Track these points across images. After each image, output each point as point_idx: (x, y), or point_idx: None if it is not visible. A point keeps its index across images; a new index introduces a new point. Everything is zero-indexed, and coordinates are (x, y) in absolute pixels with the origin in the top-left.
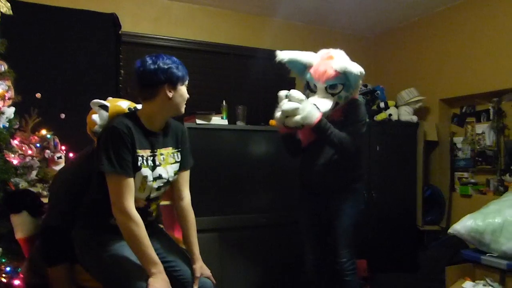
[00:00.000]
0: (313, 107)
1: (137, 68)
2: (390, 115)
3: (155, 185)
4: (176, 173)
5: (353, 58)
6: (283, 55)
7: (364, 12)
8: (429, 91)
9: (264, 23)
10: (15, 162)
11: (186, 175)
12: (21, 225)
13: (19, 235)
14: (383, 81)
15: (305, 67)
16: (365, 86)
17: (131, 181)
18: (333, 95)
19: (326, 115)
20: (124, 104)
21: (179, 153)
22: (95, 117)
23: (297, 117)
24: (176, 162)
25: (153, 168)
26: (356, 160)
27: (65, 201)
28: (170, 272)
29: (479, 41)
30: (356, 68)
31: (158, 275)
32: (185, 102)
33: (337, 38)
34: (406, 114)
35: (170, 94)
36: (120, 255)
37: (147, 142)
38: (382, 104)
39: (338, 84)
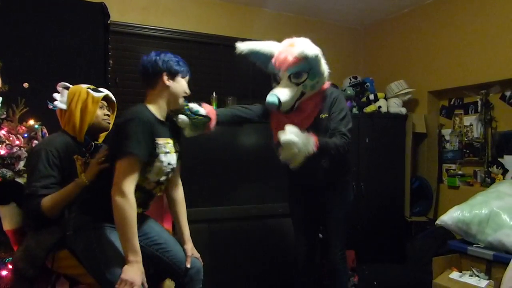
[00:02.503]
0: (306, 141)
1: (141, 60)
2: (379, 107)
3: (166, 170)
4: (177, 161)
5: (343, 49)
6: (242, 47)
7: (354, 3)
8: (418, 83)
9: (254, 14)
10: (2, 152)
11: (179, 165)
12: (9, 216)
13: (6, 226)
14: (372, 73)
15: (268, 58)
16: (355, 78)
17: (139, 167)
18: (297, 84)
19: (289, 105)
20: (84, 85)
21: (178, 144)
22: (56, 94)
23: (299, 159)
24: (177, 151)
25: (165, 154)
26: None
27: (49, 176)
28: (162, 253)
29: (468, 34)
30: (311, 51)
31: (135, 264)
32: (185, 96)
33: (327, 29)
34: (395, 106)
35: (168, 83)
36: (106, 240)
37: (162, 130)
38: (371, 96)
39: (302, 72)
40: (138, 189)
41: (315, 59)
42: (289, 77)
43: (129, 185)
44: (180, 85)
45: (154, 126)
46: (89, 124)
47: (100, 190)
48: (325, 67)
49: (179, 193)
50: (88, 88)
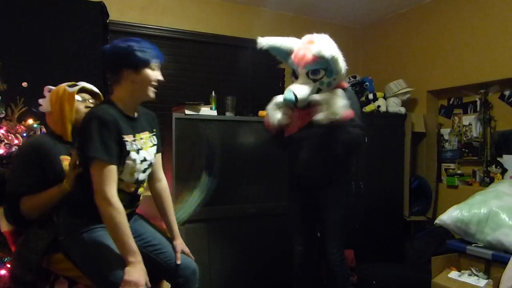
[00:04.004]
0: (340, 102)
1: (103, 53)
2: (378, 106)
3: (142, 167)
4: (155, 155)
5: (342, 49)
6: (263, 42)
7: (353, 3)
8: (417, 82)
9: (253, 13)
10: (1, 151)
11: (160, 158)
12: None
13: (4, 227)
14: (371, 73)
15: (288, 54)
16: (354, 77)
17: (115, 168)
18: (314, 80)
19: (305, 101)
20: (64, 83)
21: (154, 137)
22: (41, 99)
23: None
24: (154, 145)
25: (137, 151)
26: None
27: (29, 175)
28: (157, 255)
29: (467, 33)
30: (328, 52)
31: (136, 264)
32: (156, 85)
33: (326, 29)
34: (394, 105)
35: (133, 78)
36: (102, 243)
37: (129, 127)
38: (370, 96)
39: (320, 69)
40: (119, 191)
41: (331, 61)
42: (307, 73)
43: (109, 190)
44: (146, 76)
45: (119, 123)
46: (71, 121)
47: (83, 192)
48: (342, 65)
49: (163, 188)
50: (67, 85)
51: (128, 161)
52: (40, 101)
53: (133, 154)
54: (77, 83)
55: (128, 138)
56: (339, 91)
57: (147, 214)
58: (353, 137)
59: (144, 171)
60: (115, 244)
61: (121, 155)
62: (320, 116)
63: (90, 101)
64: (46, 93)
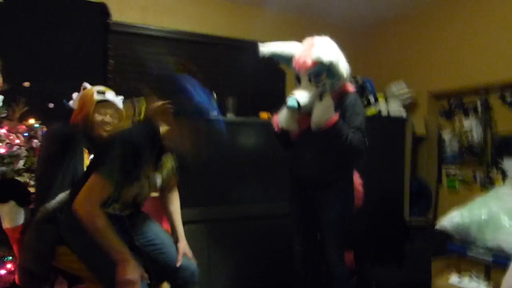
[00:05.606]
0: (328, 107)
1: (173, 79)
2: (379, 111)
3: (148, 190)
4: (168, 173)
5: (342, 50)
6: (264, 49)
7: (354, 4)
8: (418, 84)
9: (253, 14)
10: (2, 151)
11: (175, 175)
12: (8, 214)
13: (6, 224)
14: (372, 74)
15: (290, 59)
16: (354, 78)
17: (111, 189)
18: (317, 84)
19: (309, 107)
20: (96, 87)
21: (175, 156)
22: (75, 94)
23: (317, 113)
24: (173, 164)
25: (147, 177)
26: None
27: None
28: (156, 255)
29: (468, 35)
30: (326, 57)
31: (125, 263)
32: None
33: (326, 30)
34: (395, 107)
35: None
36: None
37: (153, 153)
38: (371, 97)
39: (321, 73)
40: (116, 202)
41: (331, 65)
42: (309, 78)
43: (95, 202)
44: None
45: (145, 150)
46: (86, 124)
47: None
48: (344, 69)
49: (173, 192)
50: (97, 91)
51: (135, 184)
52: (74, 95)
53: (143, 181)
54: (105, 92)
55: (147, 166)
56: (327, 98)
57: (152, 214)
58: (353, 143)
59: (149, 191)
60: (101, 245)
61: (132, 177)
62: (311, 122)
63: (109, 116)
64: (82, 90)
